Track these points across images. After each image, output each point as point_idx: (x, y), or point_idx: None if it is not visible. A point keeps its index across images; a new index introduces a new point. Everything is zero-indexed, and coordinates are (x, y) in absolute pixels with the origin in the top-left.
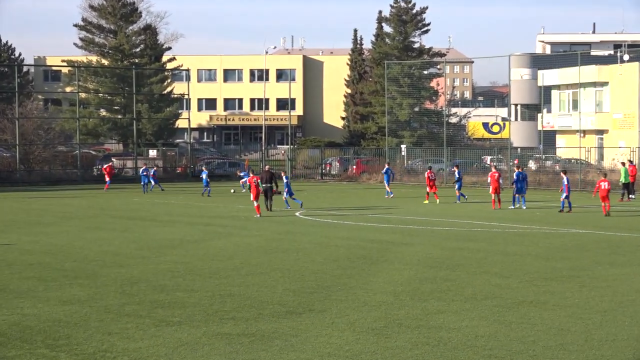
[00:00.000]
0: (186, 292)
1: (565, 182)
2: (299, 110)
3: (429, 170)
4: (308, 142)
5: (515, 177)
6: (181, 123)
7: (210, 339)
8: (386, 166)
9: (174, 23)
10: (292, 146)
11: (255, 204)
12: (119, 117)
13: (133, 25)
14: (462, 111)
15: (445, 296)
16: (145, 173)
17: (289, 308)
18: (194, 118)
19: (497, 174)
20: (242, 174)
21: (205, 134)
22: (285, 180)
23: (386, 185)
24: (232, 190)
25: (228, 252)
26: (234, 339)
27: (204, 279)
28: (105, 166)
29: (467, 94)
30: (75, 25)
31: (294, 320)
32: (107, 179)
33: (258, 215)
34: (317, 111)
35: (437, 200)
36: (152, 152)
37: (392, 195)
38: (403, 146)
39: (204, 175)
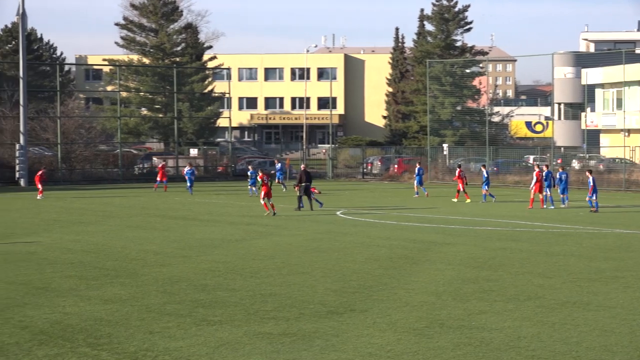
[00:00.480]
0: (227, 292)
1: (591, 183)
2: (340, 109)
3: (458, 169)
4: (349, 141)
5: (544, 175)
6: (222, 122)
7: (252, 338)
8: (418, 166)
9: (214, 22)
10: (333, 145)
11: (262, 202)
12: (160, 116)
13: (174, 24)
14: (505, 110)
15: (487, 296)
16: (191, 176)
17: (330, 308)
18: (235, 117)
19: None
20: (275, 172)
21: (246, 133)
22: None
23: (417, 185)
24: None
25: (269, 251)
26: (275, 338)
27: (245, 279)
28: (159, 165)
29: (510, 93)
30: (117, 24)
31: (335, 320)
32: (163, 179)
33: (267, 213)
34: (359, 110)
35: (456, 200)
36: (193, 151)
37: (417, 196)
38: (445, 145)
39: (253, 175)
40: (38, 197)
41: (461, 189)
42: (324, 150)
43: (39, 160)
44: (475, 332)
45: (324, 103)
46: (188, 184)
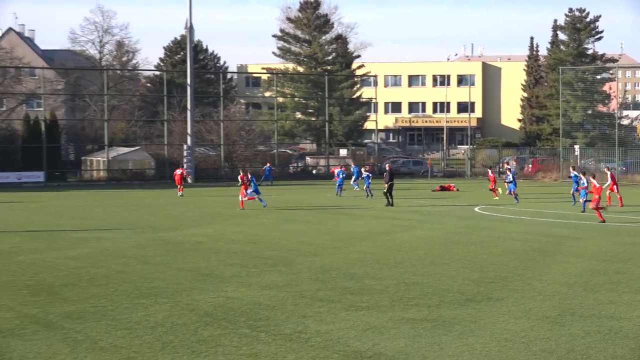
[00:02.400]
0: (374, 280)
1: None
2: (478, 112)
3: (490, 169)
4: (486, 143)
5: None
6: (369, 125)
7: (396, 323)
8: (506, 165)
9: (362, 33)
10: (471, 146)
11: (240, 198)
12: (313, 119)
13: (326, 35)
14: (634, 114)
15: (616, 288)
16: (341, 176)
17: (469, 296)
18: (381, 120)
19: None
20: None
21: (391, 135)
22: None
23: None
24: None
25: (412, 244)
26: (417, 323)
27: (390, 268)
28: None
29: (639, 98)
30: (274, 36)
31: (473, 307)
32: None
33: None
34: (495, 114)
35: (496, 197)
36: (343, 152)
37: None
38: (576, 146)
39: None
40: (179, 194)
41: (493, 187)
42: (462, 151)
43: (204, 160)
44: (604, 320)
45: (463, 107)
46: (338, 183)
